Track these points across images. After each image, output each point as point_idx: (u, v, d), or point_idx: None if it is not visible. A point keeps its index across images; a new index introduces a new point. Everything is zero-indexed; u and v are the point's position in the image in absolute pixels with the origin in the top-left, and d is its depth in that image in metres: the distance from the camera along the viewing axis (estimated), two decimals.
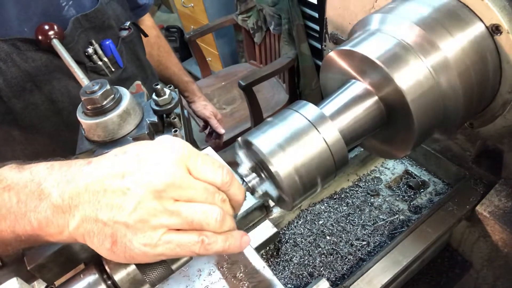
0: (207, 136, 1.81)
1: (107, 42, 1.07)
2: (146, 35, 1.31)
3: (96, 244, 0.45)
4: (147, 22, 1.46)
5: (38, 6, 0.94)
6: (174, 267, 0.55)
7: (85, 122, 0.68)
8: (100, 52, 1.06)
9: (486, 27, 0.63)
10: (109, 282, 0.52)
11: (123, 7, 1.17)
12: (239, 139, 0.59)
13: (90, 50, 1.04)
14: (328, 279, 0.91)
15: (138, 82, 1.22)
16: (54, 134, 1.07)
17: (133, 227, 0.43)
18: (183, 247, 0.45)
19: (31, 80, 0.97)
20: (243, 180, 0.57)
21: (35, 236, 0.47)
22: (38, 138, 1.07)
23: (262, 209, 0.63)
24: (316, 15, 2.32)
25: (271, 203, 0.65)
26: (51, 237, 0.47)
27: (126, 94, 0.70)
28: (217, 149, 2.19)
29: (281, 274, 0.97)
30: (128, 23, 1.16)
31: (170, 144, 0.47)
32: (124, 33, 1.15)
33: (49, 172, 0.48)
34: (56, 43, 0.86)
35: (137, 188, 0.43)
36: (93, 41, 1.04)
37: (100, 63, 1.06)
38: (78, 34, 1.00)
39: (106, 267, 0.52)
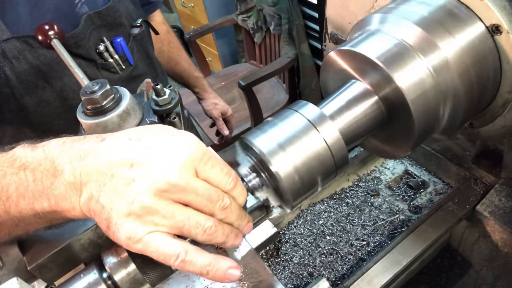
0: (216, 133, 1.84)
1: (119, 40, 1.07)
2: (157, 33, 1.30)
3: (98, 222, 0.46)
4: (157, 18, 1.45)
5: (51, 3, 0.95)
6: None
7: (85, 122, 0.68)
8: (111, 49, 1.06)
9: (486, 27, 0.63)
10: (109, 282, 0.52)
11: (135, 4, 1.17)
12: (239, 139, 0.59)
13: (101, 47, 1.04)
14: (328, 279, 0.91)
15: (148, 80, 1.22)
16: (65, 131, 1.08)
17: (125, 218, 0.44)
18: (159, 253, 0.45)
19: (43, 77, 0.97)
20: (243, 180, 0.57)
21: (53, 213, 0.48)
22: (49, 135, 1.07)
23: (262, 209, 0.63)
24: (316, 15, 2.32)
25: (271, 203, 0.65)
26: (67, 212, 0.48)
27: (126, 94, 0.70)
28: (225, 143, 2.24)
29: (281, 274, 0.97)
30: (139, 21, 1.15)
31: (185, 142, 0.47)
32: (136, 31, 1.15)
33: (61, 149, 0.49)
34: (56, 43, 0.86)
35: (142, 181, 0.44)
36: (105, 39, 1.04)
37: (111, 60, 1.06)
38: (90, 32, 1.00)
39: (106, 267, 0.52)
